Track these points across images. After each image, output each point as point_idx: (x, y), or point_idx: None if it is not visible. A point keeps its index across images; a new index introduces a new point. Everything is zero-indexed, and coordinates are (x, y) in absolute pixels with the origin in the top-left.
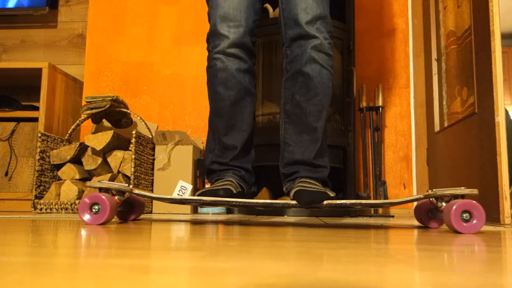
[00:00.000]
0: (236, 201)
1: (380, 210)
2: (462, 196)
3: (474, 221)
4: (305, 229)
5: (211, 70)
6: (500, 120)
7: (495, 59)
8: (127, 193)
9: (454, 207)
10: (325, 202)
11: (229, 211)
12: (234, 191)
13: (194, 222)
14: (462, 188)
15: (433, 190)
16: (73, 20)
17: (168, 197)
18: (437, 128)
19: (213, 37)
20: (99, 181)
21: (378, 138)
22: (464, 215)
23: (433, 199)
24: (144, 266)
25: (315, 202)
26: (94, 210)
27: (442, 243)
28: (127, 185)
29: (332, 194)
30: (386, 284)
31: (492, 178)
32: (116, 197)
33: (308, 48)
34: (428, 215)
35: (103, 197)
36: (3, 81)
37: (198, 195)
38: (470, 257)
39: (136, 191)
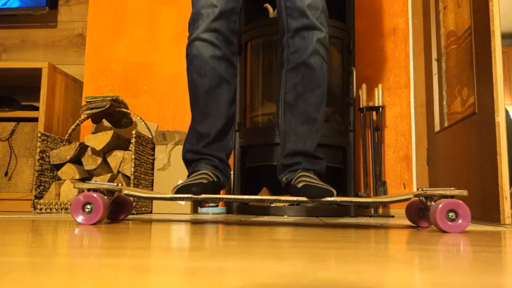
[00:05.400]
0: (226, 198)
1: (380, 210)
2: (452, 196)
3: (460, 221)
4: (305, 229)
5: (188, 58)
6: (500, 120)
7: (495, 59)
8: (116, 193)
9: (440, 206)
10: (328, 198)
11: (229, 211)
12: (205, 182)
13: (194, 222)
14: (452, 188)
15: (423, 189)
16: (73, 20)
17: (152, 196)
18: (437, 128)
19: (192, 24)
20: (88, 182)
21: (378, 138)
22: (450, 214)
23: (423, 198)
24: (144, 266)
25: (322, 197)
26: (87, 209)
27: (442, 243)
28: (115, 184)
29: (335, 192)
30: (386, 284)
31: (492, 178)
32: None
33: (313, 41)
34: (419, 214)
35: (95, 196)
36: (3, 81)
37: (174, 192)
38: (470, 257)
39: (126, 191)
